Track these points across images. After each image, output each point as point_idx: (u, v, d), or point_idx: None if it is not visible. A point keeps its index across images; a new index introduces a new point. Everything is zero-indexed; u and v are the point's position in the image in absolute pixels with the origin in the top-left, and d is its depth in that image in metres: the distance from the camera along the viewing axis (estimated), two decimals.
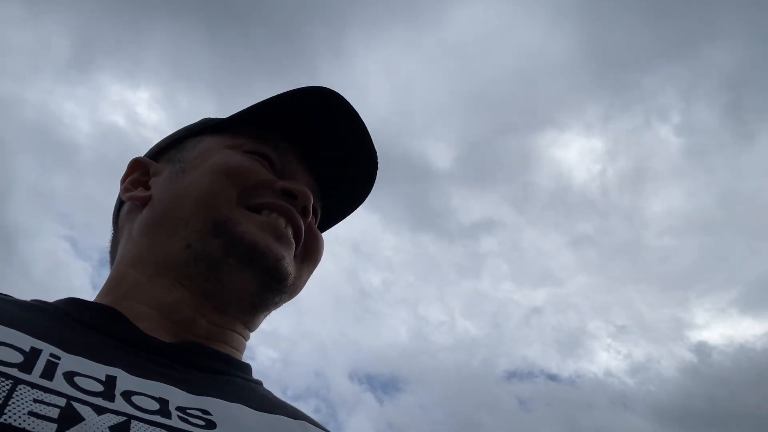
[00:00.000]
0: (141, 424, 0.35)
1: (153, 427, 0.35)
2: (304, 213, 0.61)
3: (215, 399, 0.44)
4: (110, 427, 0.32)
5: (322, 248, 0.66)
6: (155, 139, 0.73)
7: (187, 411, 0.40)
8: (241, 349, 0.61)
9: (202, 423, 0.39)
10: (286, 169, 0.65)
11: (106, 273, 0.63)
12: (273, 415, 0.48)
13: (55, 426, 0.30)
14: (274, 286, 0.57)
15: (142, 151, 0.71)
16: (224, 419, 0.41)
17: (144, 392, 0.39)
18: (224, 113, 0.67)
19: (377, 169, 0.69)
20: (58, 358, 0.38)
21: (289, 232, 0.59)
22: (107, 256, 0.68)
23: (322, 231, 0.73)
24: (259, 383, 0.59)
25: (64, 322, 0.48)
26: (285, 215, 0.59)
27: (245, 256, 0.54)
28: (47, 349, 0.38)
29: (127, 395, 0.37)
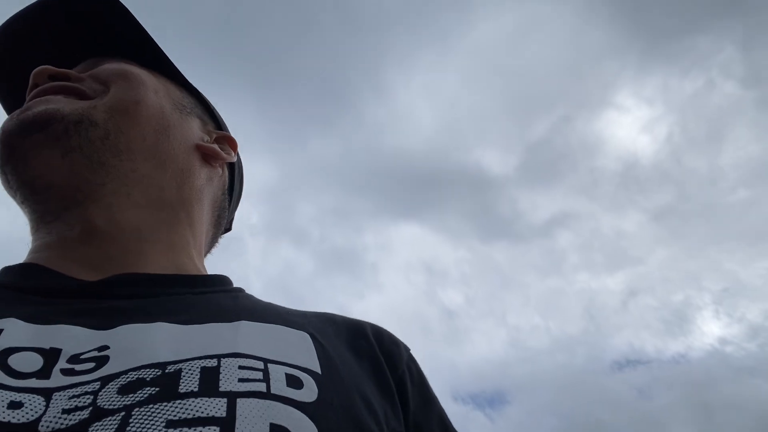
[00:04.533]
0: (3, 392, 0.29)
1: (19, 394, 0.29)
2: (54, 80, 0.52)
3: (129, 325, 0.37)
4: None
5: (122, 68, 0.53)
6: None
7: (81, 357, 0.33)
8: (190, 257, 0.51)
9: (90, 366, 0.32)
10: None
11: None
12: (204, 325, 0.38)
13: None
14: (37, 129, 0.45)
15: None
16: (123, 349, 0.34)
17: (31, 346, 0.33)
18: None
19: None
20: None
21: (40, 103, 0.49)
22: None
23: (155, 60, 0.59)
24: (232, 291, 0.49)
25: None
26: (29, 102, 0.50)
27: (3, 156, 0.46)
28: None
29: (3, 356, 0.32)
